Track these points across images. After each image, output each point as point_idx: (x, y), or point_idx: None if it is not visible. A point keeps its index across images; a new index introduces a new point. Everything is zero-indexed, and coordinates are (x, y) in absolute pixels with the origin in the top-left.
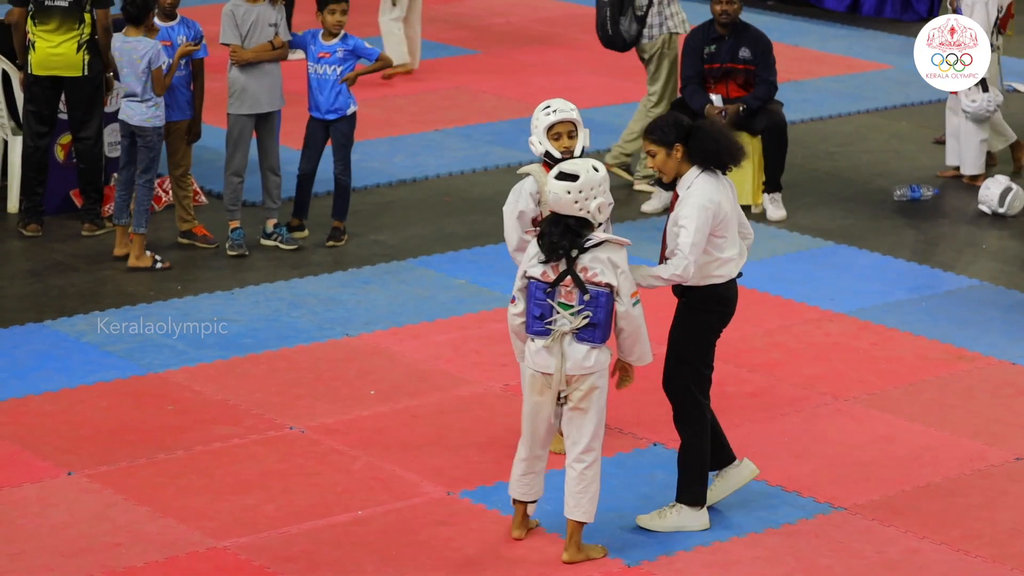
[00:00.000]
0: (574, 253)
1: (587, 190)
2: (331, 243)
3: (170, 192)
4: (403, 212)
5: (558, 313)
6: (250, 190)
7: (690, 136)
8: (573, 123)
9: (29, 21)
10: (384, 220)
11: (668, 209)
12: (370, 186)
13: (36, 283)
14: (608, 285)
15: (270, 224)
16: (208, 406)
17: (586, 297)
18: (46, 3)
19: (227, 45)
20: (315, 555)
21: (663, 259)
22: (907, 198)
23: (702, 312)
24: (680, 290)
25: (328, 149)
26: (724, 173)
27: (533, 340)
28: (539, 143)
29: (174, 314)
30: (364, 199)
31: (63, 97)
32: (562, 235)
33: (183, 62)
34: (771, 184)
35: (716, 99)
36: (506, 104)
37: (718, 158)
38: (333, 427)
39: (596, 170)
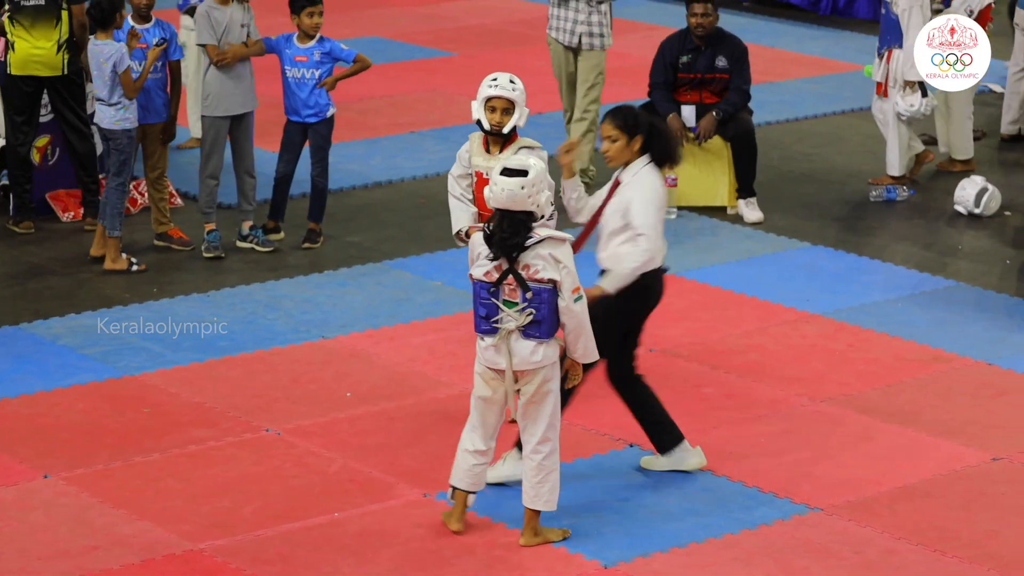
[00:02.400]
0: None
1: (537, 183)
2: (307, 245)
3: (146, 195)
4: (379, 214)
5: (503, 311)
6: (225, 192)
7: (651, 132)
8: (510, 101)
9: (7, 22)
10: (360, 222)
11: (605, 199)
12: (346, 188)
13: (13, 286)
14: (551, 281)
15: (246, 226)
16: (184, 408)
17: (528, 295)
18: (22, 3)
19: (203, 46)
20: (291, 557)
21: (584, 239)
22: (883, 199)
23: (622, 299)
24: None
25: (305, 151)
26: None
27: (482, 339)
28: (476, 110)
29: (150, 316)
30: (340, 201)
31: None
32: (514, 232)
33: (158, 64)
34: (744, 190)
35: (688, 112)
36: None
37: (671, 158)
38: (310, 429)
39: (538, 162)
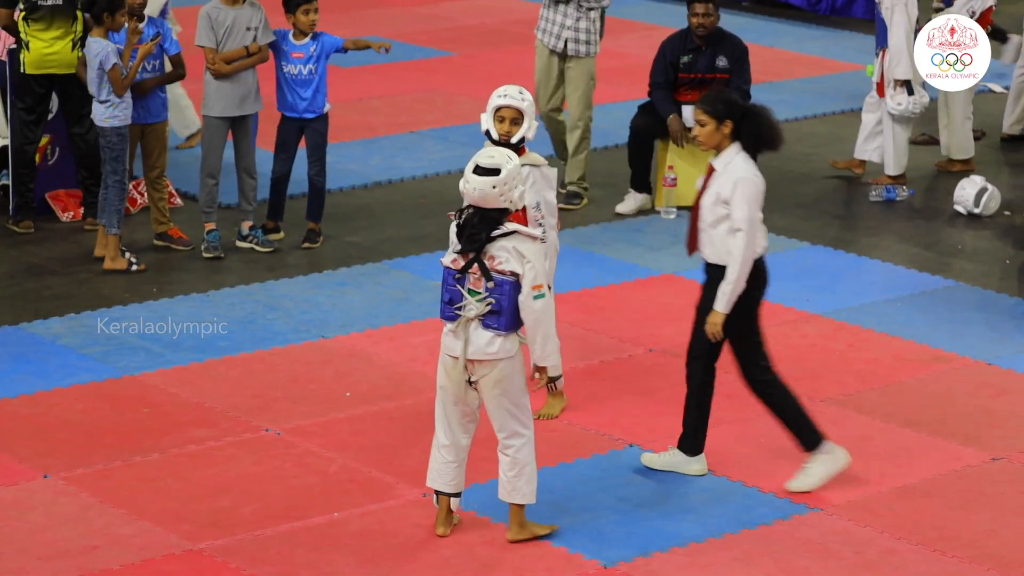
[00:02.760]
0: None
1: (510, 181)
2: (307, 245)
3: (145, 194)
4: (379, 214)
5: (466, 299)
6: (225, 192)
7: (744, 117)
8: (518, 111)
9: (21, 21)
10: (360, 222)
11: (701, 189)
12: (346, 188)
13: (12, 286)
14: (513, 273)
15: (245, 226)
16: (184, 408)
17: (490, 284)
18: (39, 2)
19: (202, 47)
20: (291, 557)
21: (693, 237)
22: (882, 198)
23: (749, 286)
24: (720, 271)
25: (303, 151)
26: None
27: (445, 325)
28: (485, 121)
29: (150, 316)
30: (339, 201)
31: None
32: (485, 227)
33: (156, 63)
34: None
35: (687, 111)
36: (481, 106)
37: (768, 143)
38: (309, 429)
39: (511, 160)
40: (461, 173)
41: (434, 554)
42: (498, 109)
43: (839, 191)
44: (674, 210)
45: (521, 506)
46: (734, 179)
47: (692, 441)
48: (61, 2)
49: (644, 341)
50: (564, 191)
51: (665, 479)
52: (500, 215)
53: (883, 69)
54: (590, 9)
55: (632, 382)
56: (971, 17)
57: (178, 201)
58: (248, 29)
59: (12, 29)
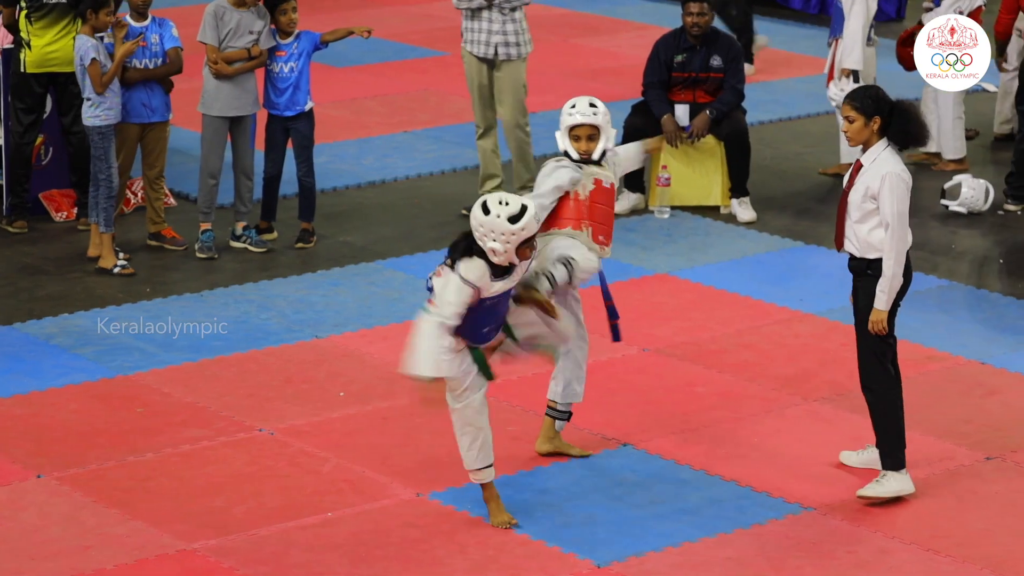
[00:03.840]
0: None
1: (487, 230)
2: (300, 245)
3: (139, 194)
4: (372, 214)
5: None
6: (224, 193)
7: (892, 112)
8: (594, 127)
9: (23, 20)
10: (353, 222)
11: (845, 187)
12: (339, 188)
13: (5, 286)
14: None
15: (239, 227)
16: (177, 408)
17: None
18: (44, 0)
19: (204, 44)
20: (285, 557)
21: (841, 232)
22: None
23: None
24: (864, 264)
25: (291, 152)
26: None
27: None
28: (560, 141)
29: (143, 316)
30: (333, 201)
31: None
32: (462, 243)
33: (158, 61)
34: (737, 190)
35: (681, 111)
36: None
37: (915, 139)
38: (303, 429)
39: (514, 220)
40: (455, 173)
41: (427, 554)
42: (571, 128)
43: (832, 191)
44: (667, 210)
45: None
46: (882, 174)
47: (898, 455)
48: (65, 0)
49: (638, 341)
50: None
51: (658, 479)
52: (471, 247)
53: (833, 59)
54: (512, 10)
55: (626, 382)
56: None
57: (171, 201)
58: (251, 33)
59: (12, 28)
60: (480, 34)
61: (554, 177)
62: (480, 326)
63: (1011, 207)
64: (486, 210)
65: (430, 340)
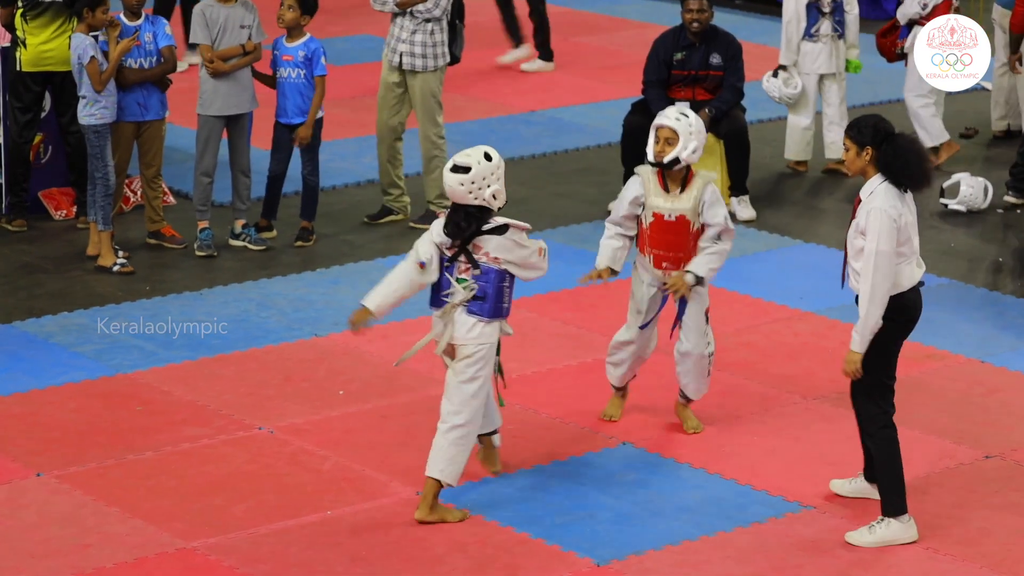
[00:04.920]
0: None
1: (479, 180)
2: (300, 243)
3: (138, 192)
4: (372, 212)
5: (454, 286)
6: (219, 191)
7: (884, 143)
8: (673, 131)
9: (19, 19)
10: (353, 220)
11: (850, 216)
12: (339, 186)
13: (5, 284)
14: (507, 263)
15: (239, 225)
16: (177, 407)
17: (476, 272)
18: None
19: (196, 45)
20: (284, 555)
21: (845, 265)
22: None
23: (884, 321)
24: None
25: (297, 150)
26: (903, 191)
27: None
28: (650, 144)
29: (143, 314)
30: (333, 199)
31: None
32: (466, 221)
33: (152, 60)
34: (737, 188)
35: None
36: (476, 104)
37: (898, 176)
38: (302, 427)
39: (489, 159)
40: None
41: (427, 552)
42: (657, 128)
43: (831, 189)
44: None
45: (436, 486)
46: (868, 209)
47: (897, 500)
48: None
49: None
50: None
51: (658, 478)
52: (480, 212)
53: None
54: (427, 21)
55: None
56: (923, 9)
57: (171, 199)
58: (242, 27)
59: (9, 27)
60: (391, 40)
61: (625, 190)
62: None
63: (1011, 199)
64: (465, 169)
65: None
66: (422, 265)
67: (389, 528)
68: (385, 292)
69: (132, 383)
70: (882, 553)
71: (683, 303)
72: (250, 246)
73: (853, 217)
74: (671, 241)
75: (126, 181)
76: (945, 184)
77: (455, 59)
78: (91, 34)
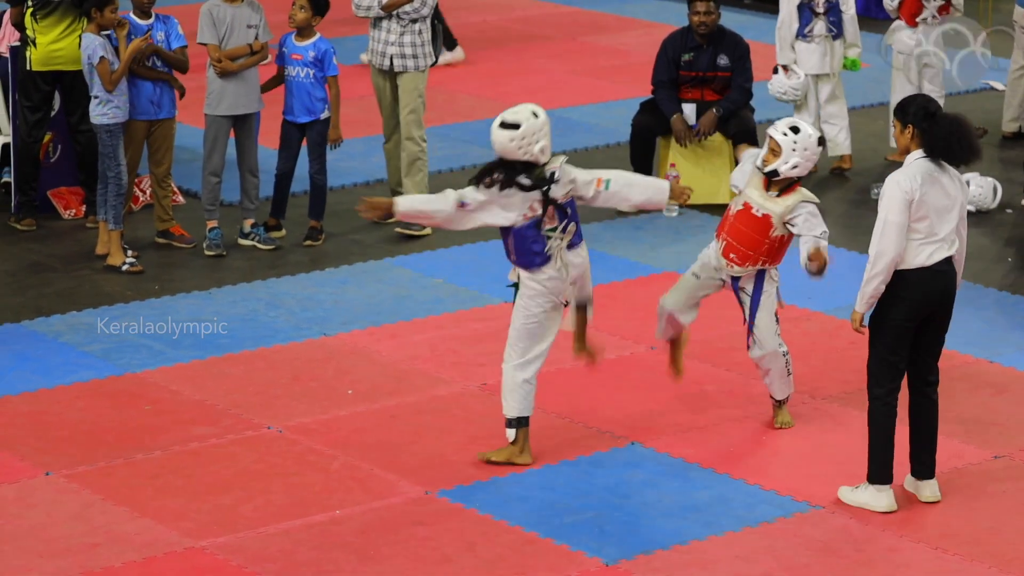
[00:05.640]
0: (546, 188)
1: (529, 136)
2: (308, 243)
3: (147, 191)
4: None
5: (549, 239)
6: (228, 190)
7: (926, 121)
8: (777, 143)
9: (28, 18)
10: (361, 220)
11: None
12: (347, 185)
13: (13, 283)
14: (573, 191)
15: (247, 224)
16: (185, 406)
17: (567, 211)
18: None
19: (204, 45)
20: (293, 555)
21: None
22: None
23: (888, 296)
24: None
25: (304, 149)
26: (953, 166)
27: (537, 272)
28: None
29: (151, 314)
30: (341, 198)
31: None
32: (508, 171)
33: (150, 60)
34: None
35: (689, 110)
36: (483, 104)
37: (944, 153)
38: (311, 427)
39: (536, 116)
40: (463, 170)
41: (435, 552)
42: (768, 136)
43: (840, 188)
44: (676, 208)
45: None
46: (887, 183)
47: (886, 468)
48: None
49: (646, 339)
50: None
51: (666, 477)
52: (525, 167)
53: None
54: (413, 21)
55: (634, 379)
56: (891, 2)
57: (180, 199)
58: (249, 27)
59: (19, 26)
60: (378, 44)
61: (738, 169)
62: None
63: None
64: (515, 125)
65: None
66: (463, 205)
67: (398, 528)
68: (416, 200)
69: (140, 382)
70: (890, 552)
71: (754, 308)
72: (259, 245)
73: None
74: (747, 236)
75: (136, 180)
76: (973, 187)
77: (433, 59)
78: (102, 33)
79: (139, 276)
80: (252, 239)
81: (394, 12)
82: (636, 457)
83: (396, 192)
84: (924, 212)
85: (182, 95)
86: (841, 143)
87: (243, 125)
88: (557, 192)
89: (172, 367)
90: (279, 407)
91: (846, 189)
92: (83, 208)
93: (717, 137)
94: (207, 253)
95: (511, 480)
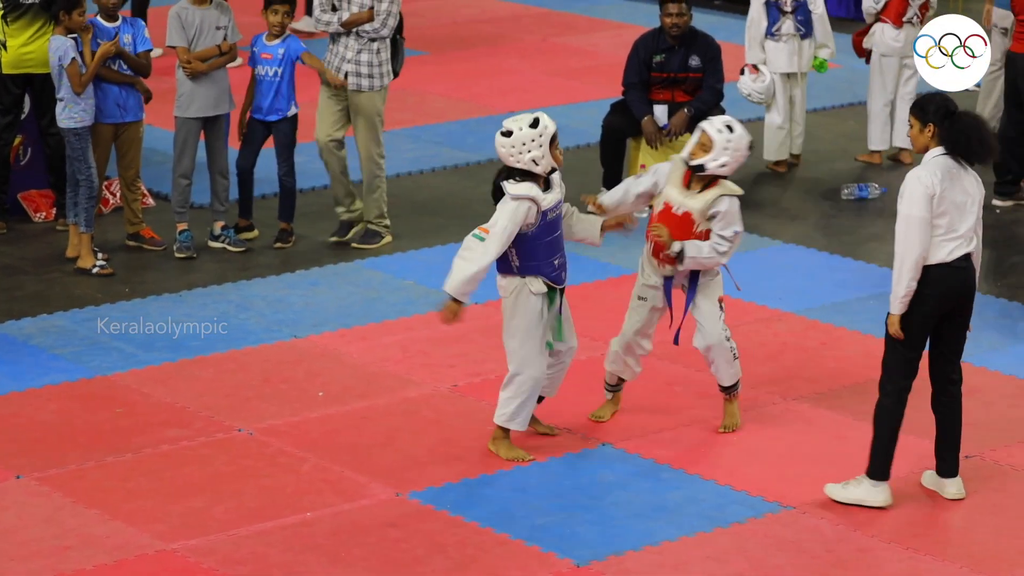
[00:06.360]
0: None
1: (519, 145)
2: (279, 245)
3: (118, 194)
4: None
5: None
6: (198, 192)
7: (946, 120)
8: (710, 138)
9: (0, 21)
10: (331, 221)
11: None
12: (318, 187)
13: None
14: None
15: (217, 226)
16: (157, 409)
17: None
18: (20, 0)
19: (173, 48)
20: (264, 557)
21: None
22: (855, 197)
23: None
24: None
25: (271, 150)
26: (971, 164)
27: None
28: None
29: (122, 316)
30: (312, 200)
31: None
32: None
33: (116, 63)
34: None
35: (660, 111)
36: (453, 105)
37: (963, 151)
38: (282, 429)
39: (534, 126)
40: (433, 172)
41: (407, 554)
42: (700, 130)
43: (811, 189)
44: (646, 209)
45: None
46: (907, 179)
47: (886, 463)
48: (38, 1)
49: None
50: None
51: (637, 479)
52: (523, 174)
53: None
54: (372, 40)
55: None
56: (876, 3)
57: (150, 201)
58: (218, 28)
59: None
60: (334, 58)
61: (659, 169)
62: (549, 254)
63: (998, 203)
64: (508, 133)
65: (467, 262)
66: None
67: (369, 530)
68: (464, 275)
69: (111, 385)
70: (862, 552)
71: (690, 296)
72: (229, 247)
73: None
74: (671, 234)
75: (105, 183)
76: None
77: (395, 74)
78: (70, 36)
79: (110, 279)
80: (222, 241)
81: (354, 29)
82: (607, 458)
83: (340, 203)
84: (945, 208)
85: (148, 99)
86: (794, 141)
87: (213, 127)
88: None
89: (143, 369)
90: (250, 409)
91: (816, 190)
92: (53, 211)
93: (688, 138)
94: (177, 255)
95: (482, 481)
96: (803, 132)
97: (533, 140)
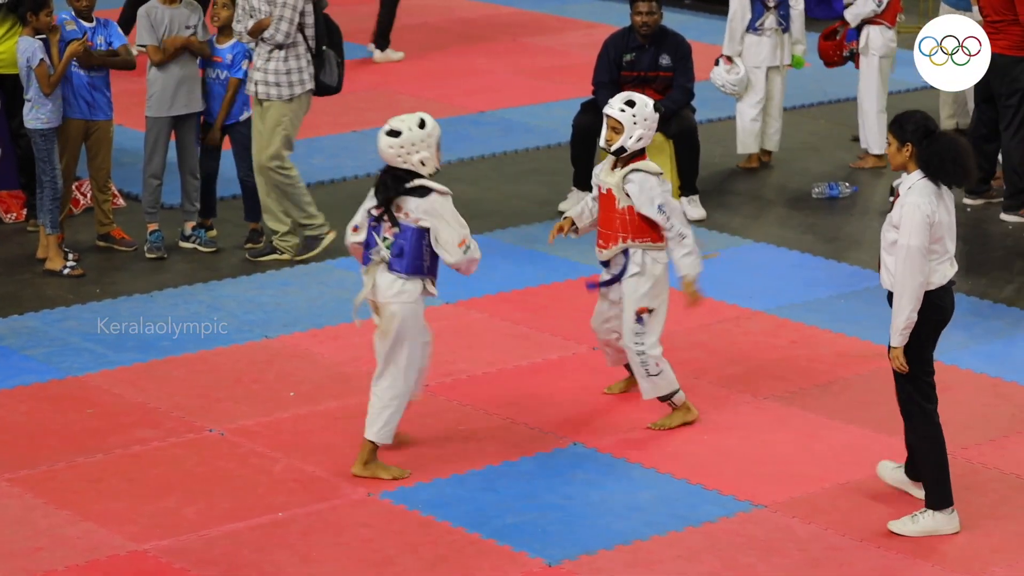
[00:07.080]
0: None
1: (408, 145)
2: (250, 245)
3: (88, 195)
4: (321, 213)
5: (378, 245)
6: (169, 192)
7: (925, 140)
8: (618, 121)
9: None
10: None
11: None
12: None
13: None
14: (423, 226)
15: (188, 227)
16: (128, 409)
17: (396, 230)
18: None
19: (143, 47)
20: (236, 557)
21: (880, 260)
22: (825, 196)
23: (918, 318)
24: (889, 296)
25: (232, 152)
26: (948, 186)
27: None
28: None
29: (93, 317)
30: None
31: None
32: (392, 182)
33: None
34: (687, 188)
35: None
36: (425, 105)
37: (937, 173)
38: (253, 429)
39: (422, 126)
40: None
41: (378, 554)
42: (605, 117)
43: (782, 189)
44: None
45: (373, 445)
46: (903, 203)
47: (943, 490)
48: (6, 2)
49: (588, 339)
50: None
51: (609, 478)
52: (408, 175)
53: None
54: (280, 47)
55: (576, 380)
56: (879, 7)
57: (121, 202)
58: (187, 27)
59: None
60: (253, 70)
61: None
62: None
63: (968, 201)
64: (395, 133)
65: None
66: (355, 229)
67: (340, 530)
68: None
69: (82, 386)
70: (834, 551)
71: (618, 275)
72: (200, 248)
73: (890, 211)
74: (602, 216)
75: (76, 184)
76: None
77: (330, 89)
78: (38, 37)
79: (80, 279)
80: (193, 242)
81: (259, 37)
82: (578, 457)
83: (303, 225)
84: (940, 232)
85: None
86: (770, 137)
87: (184, 126)
88: (408, 206)
89: (114, 370)
90: (221, 410)
91: (786, 189)
92: (24, 212)
93: (658, 136)
94: (148, 256)
95: (453, 481)
96: (779, 129)
97: (423, 140)
